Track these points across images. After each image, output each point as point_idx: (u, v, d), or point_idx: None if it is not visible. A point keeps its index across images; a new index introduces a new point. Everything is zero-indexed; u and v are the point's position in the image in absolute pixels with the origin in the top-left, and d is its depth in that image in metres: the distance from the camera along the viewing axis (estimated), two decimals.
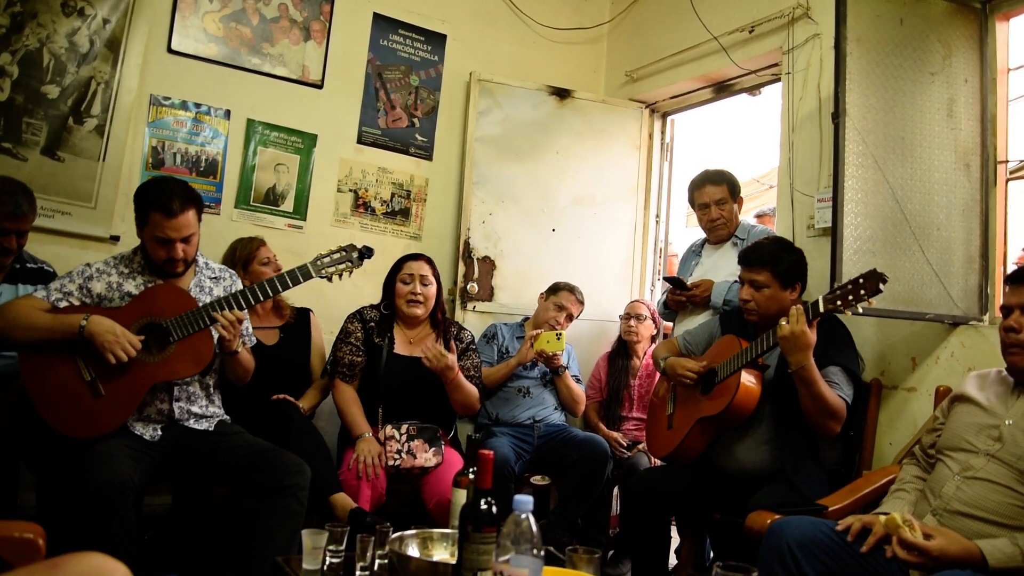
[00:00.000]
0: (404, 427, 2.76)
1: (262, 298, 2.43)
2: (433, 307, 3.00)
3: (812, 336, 2.23)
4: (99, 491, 2.06)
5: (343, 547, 1.75)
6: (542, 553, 1.35)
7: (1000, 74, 2.70)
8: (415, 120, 3.96)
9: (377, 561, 1.76)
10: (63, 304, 2.30)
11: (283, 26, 3.63)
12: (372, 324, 2.96)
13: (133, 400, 2.29)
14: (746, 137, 6.40)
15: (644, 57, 4.13)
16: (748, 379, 2.44)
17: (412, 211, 3.95)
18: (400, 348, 2.94)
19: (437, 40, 4.02)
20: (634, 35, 4.29)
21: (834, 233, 2.46)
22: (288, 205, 3.65)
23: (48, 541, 1.52)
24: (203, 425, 2.44)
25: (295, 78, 3.66)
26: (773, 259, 2.49)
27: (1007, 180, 2.68)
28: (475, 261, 3.91)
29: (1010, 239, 2.71)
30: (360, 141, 3.82)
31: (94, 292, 2.36)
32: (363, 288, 3.60)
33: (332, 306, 3.43)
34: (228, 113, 3.51)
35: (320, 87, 3.72)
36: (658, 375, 3.05)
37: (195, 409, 2.44)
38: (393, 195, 3.90)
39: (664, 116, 4.32)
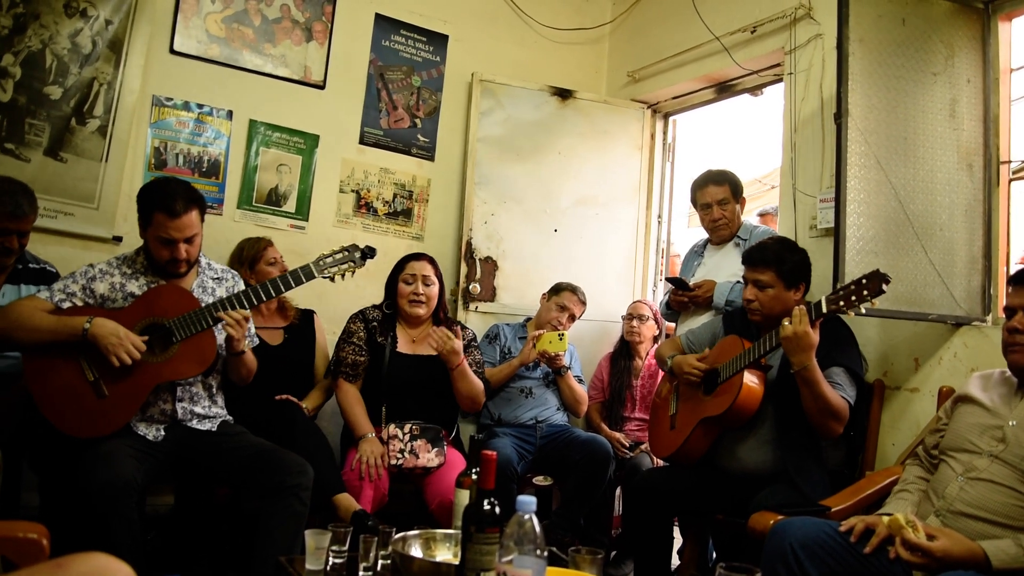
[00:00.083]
0: (407, 427, 2.76)
1: (265, 298, 2.44)
2: (435, 307, 3.00)
3: (815, 337, 2.23)
4: (102, 491, 2.06)
5: (346, 547, 1.76)
6: (545, 554, 1.36)
7: (1003, 74, 2.69)
8: (417, 120, 3.96)
9: (380, 562, 1.76)
10: (66, 305, 2.30)
11: (285, 27, 3.63)
12: (375, 324, 2.96)
13: (136, 400, 2.29)
14: (748, 137, 6.41)
15: (646, 57, 4.12)
16: (751, 379, 2.44)
17: (414, 212, 3.95)
18: (403, 347, 2.94)
19: (439, 41, 4.02)
20: (636, 35, 4.29)
21: (837, 233, 2.46)
22: (290, 206, 3.65)
23: (52, 541, 1.53)
24: (206, 425, 2.45)
25: (297, 79, 3.66)
26: (777, 259, 2.49)
27: (1010, 180, 2.68)
28: (477, 262, 3.91)
29: (1013, 239, 2.71)
30: (362, 142, 3.82)
31: (97, 292, 2.36)
32: (365, 288, 3.61)
33: (334, 306, 3.43)
34: (230, 114, 3.51)
35: (322, 88, 3.72)
36: (660, 375, 3.05)
37: (198, 409, 2.44)
38: (395, 196, 3.90)
39: (666, 116, 4.32)
